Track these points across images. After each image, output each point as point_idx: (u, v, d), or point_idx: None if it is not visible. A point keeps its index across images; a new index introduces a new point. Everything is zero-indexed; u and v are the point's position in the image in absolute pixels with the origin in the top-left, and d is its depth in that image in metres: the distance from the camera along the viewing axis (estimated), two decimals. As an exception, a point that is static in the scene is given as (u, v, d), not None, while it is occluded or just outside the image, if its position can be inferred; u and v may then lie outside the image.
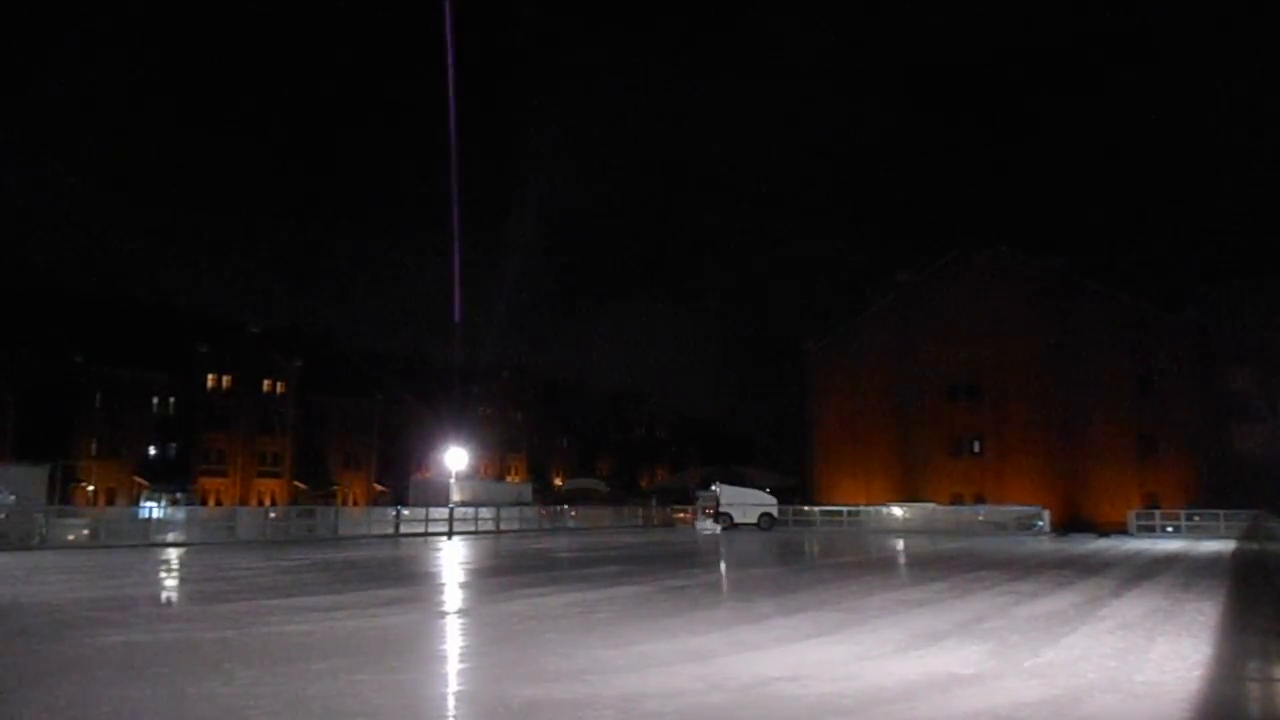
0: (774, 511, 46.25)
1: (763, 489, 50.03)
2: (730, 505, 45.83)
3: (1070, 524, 46.16)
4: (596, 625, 11.37)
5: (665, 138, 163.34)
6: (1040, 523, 43.84)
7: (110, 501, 58.35)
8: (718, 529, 43.67)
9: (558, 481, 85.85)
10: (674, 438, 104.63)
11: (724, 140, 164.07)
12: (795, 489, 62.60)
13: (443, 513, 39.03)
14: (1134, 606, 13.58)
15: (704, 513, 46.61)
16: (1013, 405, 54.48)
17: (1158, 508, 45.18)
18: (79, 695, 7.22)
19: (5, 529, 26.46)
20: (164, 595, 15.99)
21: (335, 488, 71.51)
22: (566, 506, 51.76)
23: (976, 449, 55.69)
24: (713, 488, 47.61)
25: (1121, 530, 42.34)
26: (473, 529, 39.41)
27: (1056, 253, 56.45)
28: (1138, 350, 52.39)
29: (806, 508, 50.73)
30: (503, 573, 20.77)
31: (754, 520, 45.11)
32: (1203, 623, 11.75)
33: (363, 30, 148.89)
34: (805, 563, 24.42)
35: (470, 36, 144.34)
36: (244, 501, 63.45)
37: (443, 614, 13.13)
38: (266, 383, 69.07)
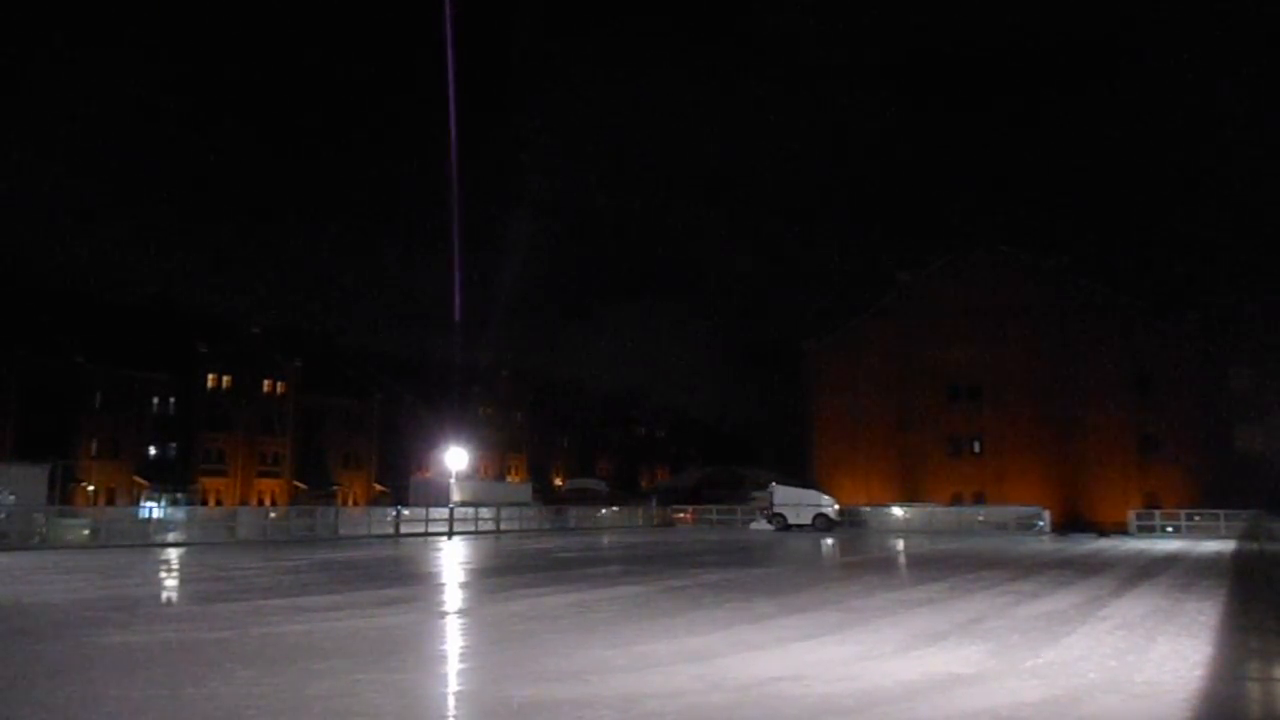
0: (830, 512, 44.68)
1: (819, 489, 48.25)
2: (783, 506, 44.89)
3: (1070, 524, 46.16)
4: (597, 625, 11.37)
5: (664, 138, 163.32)
6: (1040, 523, 43.85)
7: (110, 501, 58.31)
8: (771, 530, 43.12)
9: (558, 481, 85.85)
10: (674, 438, 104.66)
11: (723, 140, 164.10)
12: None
13: (443, 513, 39.06)
14: (1134, 606, 13.58)
15: (759, 513, 45.91)
16: (1013, 405, 54.47)
17: (1158, 508, 45.20)
18: (79, 695, 7.21)
19: (5, 529, 26.48)
20: (164, 595, 15.99)
21: (335, 488, 71.49)
22: (566, 506, 51.80)
23: (976, 449, 55.68)
24: (770, 488, 46.72)
25: (1121, 530, 42.36)
26: (473, 529, 39.42)
27: (1056, 252, 56.53)
28: (1138, 350, 52.42)
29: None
30: (503, 573, 20.77)
31: (808, 521, 44.02)
32: (1203, 623, 11.75)
33: (362, 30, 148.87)
34: (806, 563, 24.41)
35: (470, 37, 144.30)
36: (244, 501, 63.45)
37: (443, 614, 13.13)
38: (266, 383, 69.06)
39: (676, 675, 8.00)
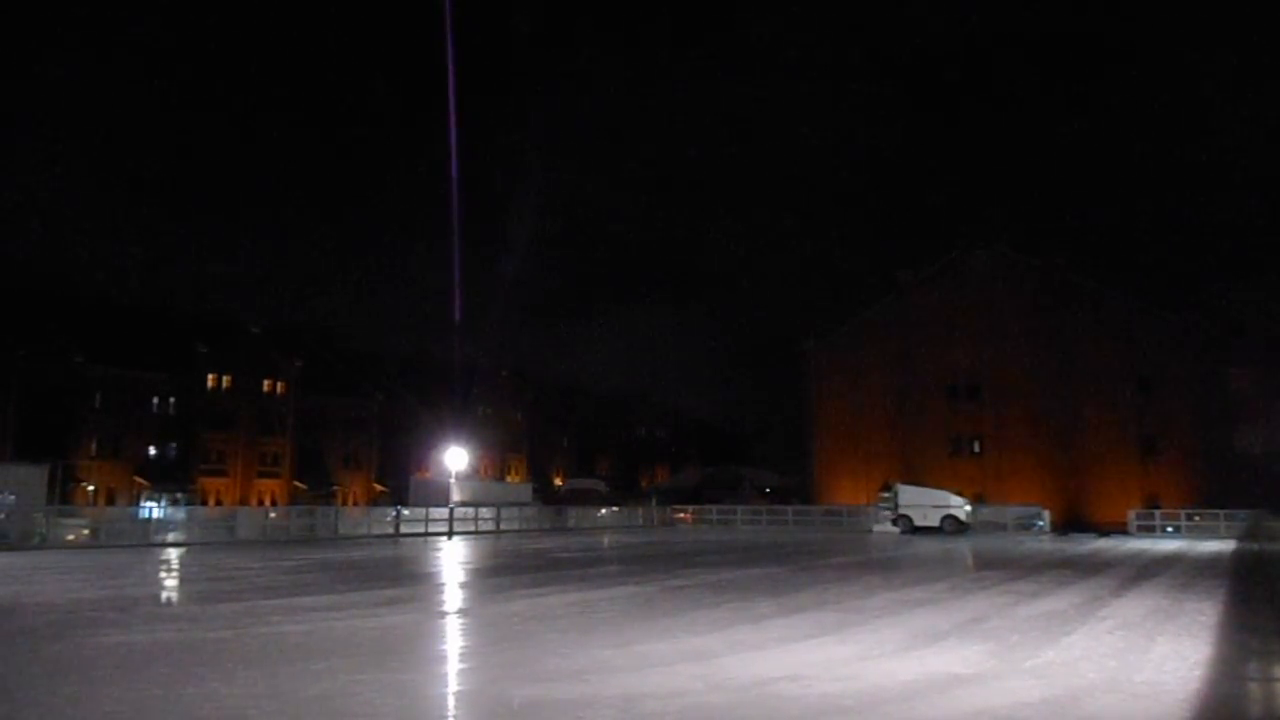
0: (960, 514, 41.91)
1: (941, 490, 45.33)
2: (908, 507, 42.87)
3: (1070, 524, 46.15)
4: (597, 625, 11.37)
5: (665, 138, 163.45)
6: (1040, 523, 43.81)
7: (110, 501, 58.31)
8: (896, 532, 41.71)
9: (558, 481, 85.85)
10: (674, 438, 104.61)
11: (723, 140, 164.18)
12: (795, 489, 62.57)
13: (443, 513, 39.02)
14: (1134, 606, 13.58)
15: (881, 515, 44.27)
16: (1013, 405, 54.47)
17: (1158, 508, 45.19)
18: (79, 695, 7.21)
19: (5, 529, 26.46)
20: (164, 595, 15.98)
21: (335, 488, 71.47)
22: (566, 506, 51.78)
23: (976, 449, 55.66)
24: (893, 488, 44.89)
25: (1122, 530, 42.34)
26: (473, 529, 39.40)
27: (1056, 252, 56.55)
28: (1138, 350, 52.42)
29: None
30: (503, 573, 20.76)
31: (935, 523, 41.84)
32: (1203, 623, 11.75)
33: (362, 30, 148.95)
34: (804, 563, 24.39)
35: (470, 36, 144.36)
36: (244, 501, 63.44)
37: (443, 614, 13.13)
38: (266, 383, 69.05)
39: (676, 675, 8.00)
